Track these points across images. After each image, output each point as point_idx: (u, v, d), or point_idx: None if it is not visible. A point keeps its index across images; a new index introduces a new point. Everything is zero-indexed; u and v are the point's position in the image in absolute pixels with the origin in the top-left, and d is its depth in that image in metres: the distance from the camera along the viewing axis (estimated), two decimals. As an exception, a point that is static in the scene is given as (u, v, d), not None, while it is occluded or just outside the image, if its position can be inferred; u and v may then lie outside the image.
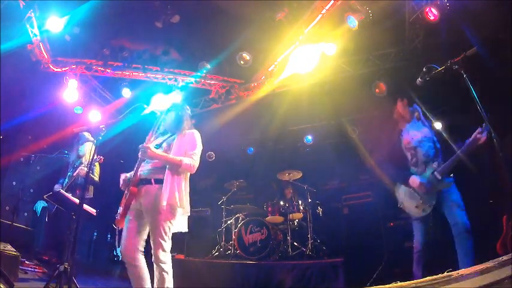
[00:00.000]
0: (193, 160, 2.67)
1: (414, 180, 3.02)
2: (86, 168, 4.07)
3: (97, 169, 4.44)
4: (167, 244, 2.52)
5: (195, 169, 2.70)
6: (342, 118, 6.91)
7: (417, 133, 3.21)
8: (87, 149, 4.54)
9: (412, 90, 3.75)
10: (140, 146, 2.64)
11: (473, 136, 2.76)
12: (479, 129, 2.74)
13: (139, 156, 2.65)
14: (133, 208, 2.65)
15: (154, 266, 2.48)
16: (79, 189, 4.14)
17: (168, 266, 2.47)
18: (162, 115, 2.87)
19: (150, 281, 2.58)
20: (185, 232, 2.77)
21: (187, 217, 2.75)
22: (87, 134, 4.67)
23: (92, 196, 4.32)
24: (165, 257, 2.48)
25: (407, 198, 3.12)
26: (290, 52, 5.58)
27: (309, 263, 4.66)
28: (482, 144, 2.73)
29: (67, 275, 2.74)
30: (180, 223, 2.69)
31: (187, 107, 3.01)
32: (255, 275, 4.72)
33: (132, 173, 2.73)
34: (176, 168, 2.61)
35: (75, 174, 4.23)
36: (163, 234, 2.50)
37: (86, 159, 4.40)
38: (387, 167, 3.35)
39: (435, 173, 2.97)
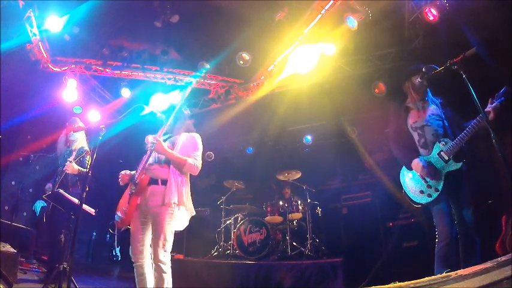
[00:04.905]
0: (196, 161, 2.72)
1: (415, 162, 2.76)
2: (73, 162, 3.87)
3: (88, 160, 3.99)
4: (168, 244, 2.53)
5: (198, 171, 2.73)
6: (341, 118, 6.90)
7: (425, 111, 2.90)
8: (79, 137, 4.13)
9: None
10: (150, 137, 2.62)
11: (486, 108, 2.51)
12: (490, 101, 2.55)
13: (147, 148, 2.66)
14: (138, 208, 2.65)
15: (153, 265, 2.49)
16: (72, 186, 3.95)
17: (167, 267, 2.48)
18: (166, 116, 2.86)
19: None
20: (184, 232, 2.77)
21: (190, 215, 2.75)
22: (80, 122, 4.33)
23: (87, 189, 4.06)
24: (165, 257, 2.48)
25: (412, 183, 2.84)
26: (289, 52, 5.58)
27: (308, 263, 4.66)
28: (493, 118, 2.49)
29: (66, 274, 2.73)
30: (182, 222, 2.70)
31: (186, 109, 3.00)
32: (254, 275, 4.71)
33: (136, 171, 2.73)
34: (180, 167, 2.65)
35: (65, 169, 3.88)
36: (166, 234, 2.51)
37: (75, 148, 4.06)
38: (394, 148, 3.02)
39: (442, 152, 2.69)
